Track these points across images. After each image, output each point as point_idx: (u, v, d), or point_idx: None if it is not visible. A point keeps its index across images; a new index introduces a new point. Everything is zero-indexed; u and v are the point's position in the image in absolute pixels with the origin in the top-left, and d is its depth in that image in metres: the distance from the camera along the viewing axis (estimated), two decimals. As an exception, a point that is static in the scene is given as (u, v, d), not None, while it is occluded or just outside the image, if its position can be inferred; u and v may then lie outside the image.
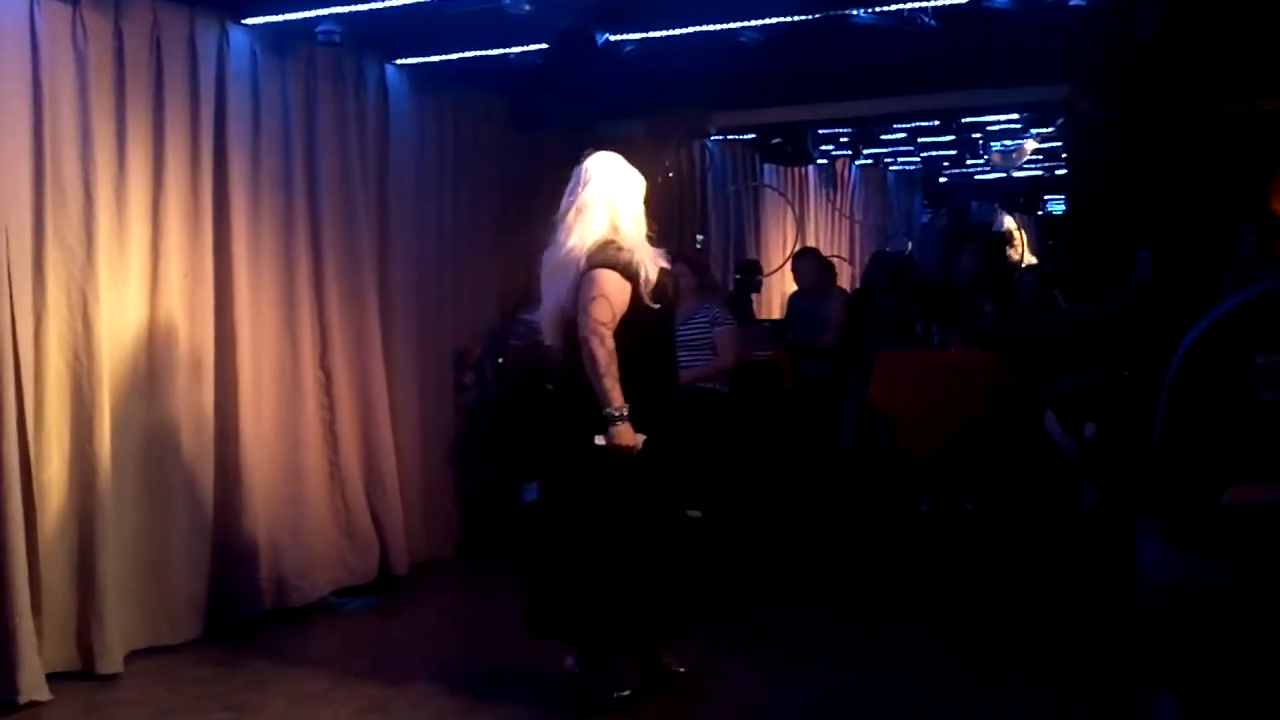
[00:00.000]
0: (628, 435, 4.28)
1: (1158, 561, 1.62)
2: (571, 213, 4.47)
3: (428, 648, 5.50)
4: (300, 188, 6.06)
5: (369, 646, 5.52)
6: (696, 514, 4.94)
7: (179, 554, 5.43)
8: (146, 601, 5.31)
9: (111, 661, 4.96)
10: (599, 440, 4.28)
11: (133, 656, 5.16)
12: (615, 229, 4.41)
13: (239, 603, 5.68)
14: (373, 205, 6.54)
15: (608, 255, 4.32)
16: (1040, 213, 16.64)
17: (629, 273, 4.32)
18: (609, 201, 4.44)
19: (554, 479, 4.63)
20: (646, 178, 4.70)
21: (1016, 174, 13.22)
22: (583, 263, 4.33)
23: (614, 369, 4.25)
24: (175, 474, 5.40)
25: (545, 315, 4.53)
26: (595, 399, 4.27)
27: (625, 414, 4.26)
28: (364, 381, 6.41)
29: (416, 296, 6.85)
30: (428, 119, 7.03)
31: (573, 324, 4.36)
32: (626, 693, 4.58)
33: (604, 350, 4.24)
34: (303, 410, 6.07)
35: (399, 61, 6.72)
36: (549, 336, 4.58)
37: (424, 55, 6.70)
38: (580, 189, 4.49)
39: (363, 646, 5.52)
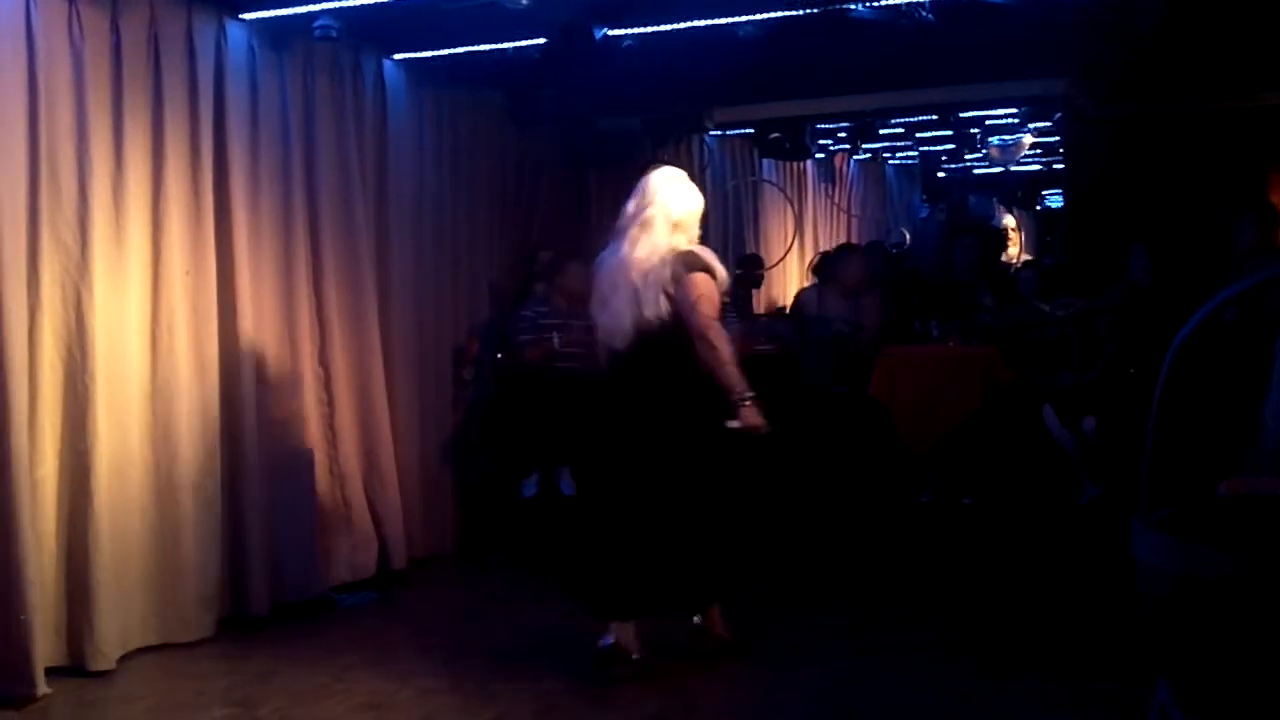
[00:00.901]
0: (755, 415, 4.65)
1: (1155, 553, 1.62)
2: (635, 227, 4.78)
3: (427, 643, 5.49)
4: (299, 183, 6.05)
5: (368, 642, 5.51)
6: None
7: (191, 553, 5.41)
8: (156, 600, 5.31)
9: (104, 659, 4.95)
10: (732, 424, 4.62)
11: (140, 654, 5.17)
12: (690, 242, 4.80)
13: (245, 600, 5.69)
14: (371, 201, 6.53)
15: (697, 261, 4.70)
16: (1038, 208, 16.64)
17: (715, 277, 4.73)
18: (670, 218, 4.76)
19: (671, 466, 4.77)
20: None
21: (1015, 169, 13.21)
22: (667, 270, 4.67)
23: (734, 357, 4.67)
24: (182, 472, 5.39)
25: (617, 320, 4.77)
26: (706, 388, 4.66)
27: (752, 397, 4.63)
28: (363, 377, 6.41)
29: (415, 292, 6.85)
30: (426, 114, 7.02)
31: (658, 327, 4.67)
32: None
33: (724, 341, 4.66)
34: (302, 406, 6.06)
35: (396, 56, 6.71)
36: (620, 340, 4.78)
37: (421, 50, 6.69)
38: (646, 204, 4.80)
39: (362, 642, 5.51)
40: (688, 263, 4.69)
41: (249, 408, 5.70)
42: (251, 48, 5.79)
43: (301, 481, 6.03)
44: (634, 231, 4.77)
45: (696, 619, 5.06)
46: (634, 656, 4.87)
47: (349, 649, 5.38)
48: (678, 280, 4.65)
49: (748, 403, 4.64)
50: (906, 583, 6.28)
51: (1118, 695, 4.47)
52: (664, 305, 4.66)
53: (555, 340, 7.07)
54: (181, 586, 5.40)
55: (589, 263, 6.33)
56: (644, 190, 4.85)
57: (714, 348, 4.62)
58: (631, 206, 4.86)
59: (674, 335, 4.68)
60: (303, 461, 6.05)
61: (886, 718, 4.48)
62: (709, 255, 4.78)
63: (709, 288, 4.68)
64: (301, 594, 5.94)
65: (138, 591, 5.24)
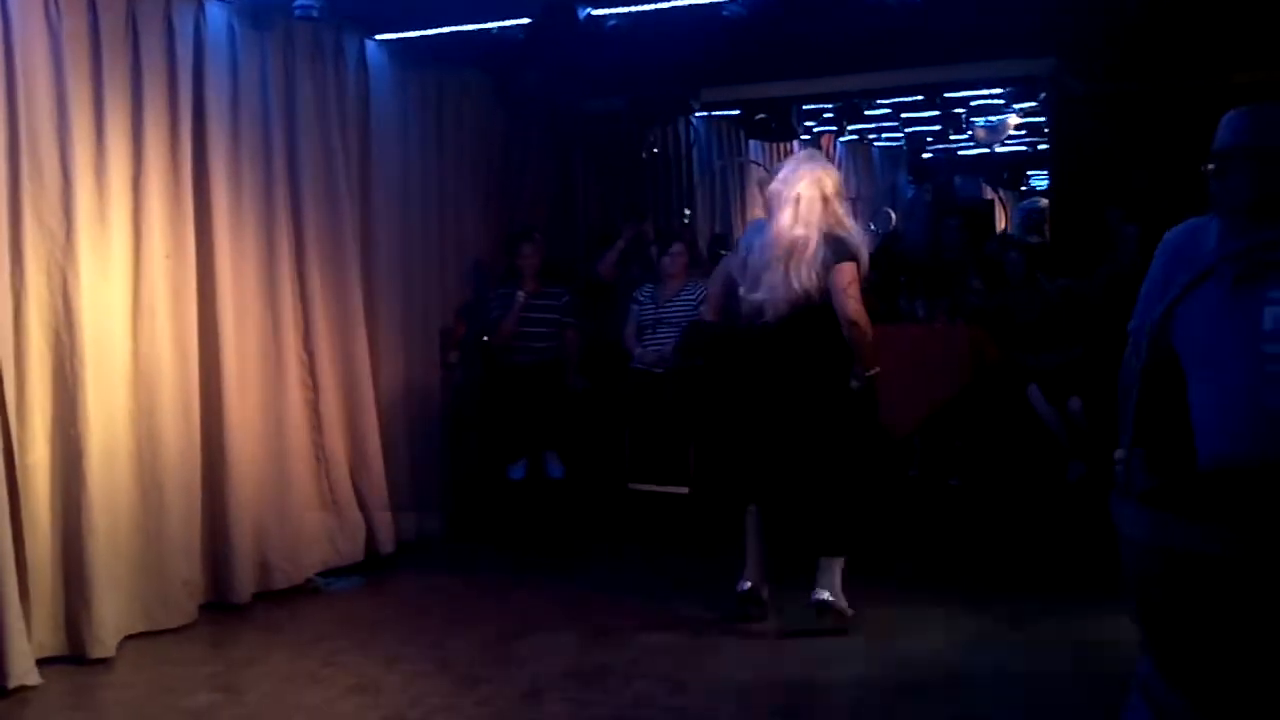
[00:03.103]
0: (871, 390, 5.21)
1: (1138, 527, 1.61)
2: (785, 208, 5.10)
3: (415, 626, 5.49)
4: (280, 166, 6.01)
5: (357, 626, 5.50)
6: None
7: (172, 538, 5.40)
8: (141, 586, 5.28)
9: (102, 646, 4.93)
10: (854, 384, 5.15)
11: (125, 641, 5.14)
12: (839, 221, 5.15)
13: (229, 586, 5.67)
14: (354, 183, 6.49)
15: (846, 249, 5.08)
16: (1023, 188, 16.63)
17: (860, 262, 5.12)
18: (817, 199, 5.11)
19: (820, 424, 5.20)
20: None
21: (1000, 149, 13.20)
22: (821, 251, 5.04)
23: (872, 339, 5.15)
24: (165, 457, 5.36)
25: (770, 295, 5.11)
26: (844, 359, 5.13)
27: (875, 374, 5.16)
28: (348, 361, 6.38)
29: (400, 274, 6.82)
30: (409, 95, 6.98)
31: (807, 298, 5.06)
32: None
33: (867, 324, 5.08)
34: (286, 391, 6.03)
35: (379, 37, 6.66)
36: (772, 313, 5.14)
37: (404, 30, 6.63)
38: (793, 186, 5.13)
39: (350, 626, 5.50)
40: (838, 250, 5.05)
41: (231, 393, 5.67)
42: (231, 27, 5.74)
43: (286, 467, 6.01)
44: (784, 213, 5.09)
45: (825, 595, 5.20)
46: (764, 597, 5.39)
47: (335, 633, 5.37)
48: (828, 265, 5.02)
49: (870, 377, 5.14)
50: (896, 558, 6.27)
51: (1107, 672, 4.48)
52: (815, 281, 5.04)
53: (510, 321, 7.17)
54: (166, 572, 5.37)
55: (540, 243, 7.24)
56: (790, 172, 5.21)
57: (864, 331, 5.06)
58: (777, 188, 5.19)
59: (823, 308, 5.06)
60: (287, 446, 6.02)
61: (870, 694, 4.48)
62: (857, 239, 5.18)
63: (854, 274, 5.07)
64: (287, 579, 5.92)
65: (126, 578, 5.21)
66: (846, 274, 5.04)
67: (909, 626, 5.26)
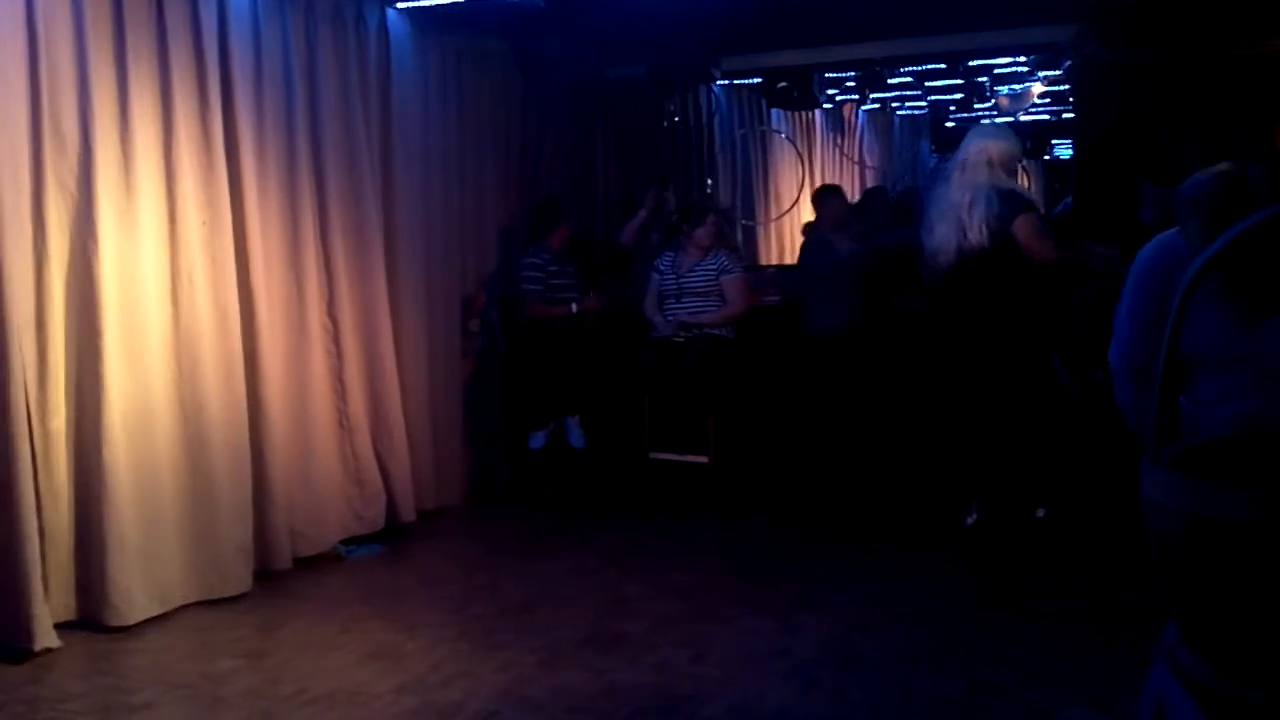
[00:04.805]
0: None
1: (1165, 491, 1.60)
2: (958, 169, 5.78)
3: (436, 593, 5.52)
4: (304, 134, 6.00)
5: (377, 593, 5.54)
6: None
7: (226, 506, 5.42)
8: (192, 554, 5.31)
9: (117, 614, 4.95)
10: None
11: (182, 610, 5.21)
12: (1006, 177, 5.74)
13: (273, 552, 5.71)
14: (376, 151, 6.48)
15: (1020, 201, 5.69)
16: (1047, 157, 16.50)
17: (1036, 209, 5.85)
18: (987, 160, 5.69)
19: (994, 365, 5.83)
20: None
21: (1023, 118, 13.11)
22: (994, 207, 5.59)
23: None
24: (210, 423, 5.37)
25: (942, 244, 5.74)
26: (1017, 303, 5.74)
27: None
28: (370, 329, 6.39)
29: (422, 243, 6.82)
30: (430, 63, 6.96)
31: (977, 250, 5.65)
32: None
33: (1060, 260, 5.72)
34: (311, 359, 6.04)
35: (399, 5, 6.63)
36: (944, 259, 5.75)
37: (425, -2, 6.61)
38: (967, 149, 5.80)
39: (370, 593, 5.54)
40: (1014, 203, 5.63)
41: (268, 358, 5.69)
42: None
43: (311, 434, 6.03)
44: (957, 173, 5.76)
45: (1040, 512, 5.91)
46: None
47: (356, 600, 5.41)
48: (1005, 218, 5.59)
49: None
50: (910, 530, 6.27)
51: (1127, 642, 4.48)
52: (985, 233, 5.60)
53: (573, 307, 7.18)
54: (220, 541, 5.40)
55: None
56: (968, 138, 5.89)
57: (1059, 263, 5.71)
58: (959, 152, 5.85)
59: (990, 257, 5.62)
60: (312, 414, 6.04)
61: (888, 661, 4.49)
62: (1025, 192, 5.89)
63: (1038, 222, 5.72)
64: (312, 547, 5.96)
65: (173, 547, 5.24)
66: (1029, 224, 5.62)
67: (928, 595, 5.26)
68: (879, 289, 7.13)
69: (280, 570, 5.73)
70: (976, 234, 5.63)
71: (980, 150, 5.73)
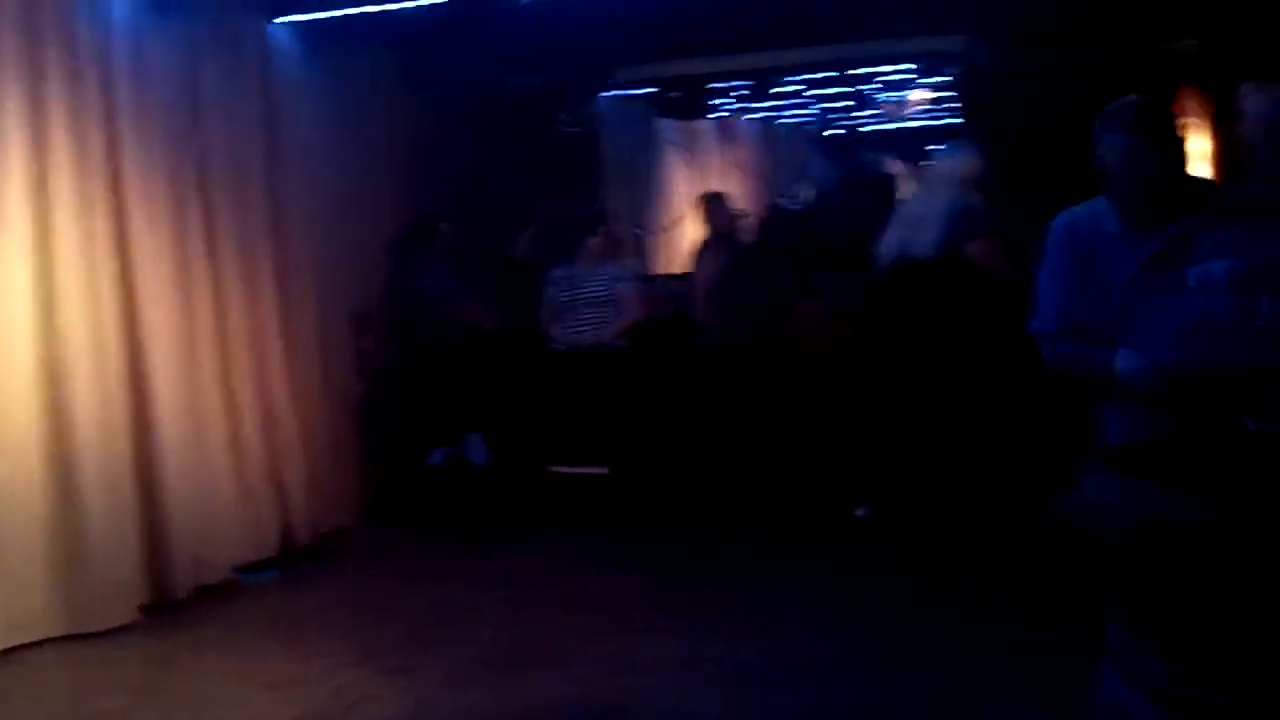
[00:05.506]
0: None
1: (1115, 497, 1.60)
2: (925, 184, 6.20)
3: (335, 617, 5.41)
4: (189, 152, 5.86)
5: (275, 620, 5.42)
6: None
7: (100, 537, 5.23)
8: (58, 587, 5.12)
9: None
10: None
11: (45, 644, 5.01)
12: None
13: (168, 583, 5.54)
14: (263, 167, 6.35)
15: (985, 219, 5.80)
16: (926, 164, 16.81)
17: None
18: (961, 179, 5.84)
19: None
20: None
21: (907, 124, 13.33)
22: (961, 223, 5.69)
23: None
24: (82, 452, 5.19)
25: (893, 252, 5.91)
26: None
27: None
28: (262, 349, 6.26)
29: (312, 259, 6.69)
30: (317, 78, 6.84)
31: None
32: None
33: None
34: (202, 381, 5.90)
35: (284, 19, 6.51)
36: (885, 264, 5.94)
37: (310, 12, 6.49)
38: (939, 165, 6.13)
39: (267, 620, 5.42)
40: (972, 222, 5.72)
41: (157, 382, 5.54)
42: (133, 12, 5.56)
43: (205, 458, 5.87)
44: (924, 186, 6.23)
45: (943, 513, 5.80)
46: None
47: (253, 628, 5.28)
48: (959, 237, 5.68)
49: None
50: (849, 535, 6.27)
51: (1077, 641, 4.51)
52: (936, 246, 5.69)
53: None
54: (93, 570, 5.21)
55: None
56: (940, 154, 6.22)
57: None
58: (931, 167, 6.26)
59: (933, 270, 5.71)
60: (205, 438, 5.89)
61: (810, 664, 4.50)
62: (986, 210, 5.86)
63: (997, 243, 5.72)
64: (208, 576, 5.79)
65: (36, 578, 5.06)
66: (986, 245, 5.71)
67: (843, 596, 5.29)
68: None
69: (179, 600, 5.56)
70: (924, 246, 5.73)
71: (950, 168, 5.91)
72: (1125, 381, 2.56)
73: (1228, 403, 2.36)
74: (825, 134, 14.77)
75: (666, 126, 11.22)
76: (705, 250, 7.58)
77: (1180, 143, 3.05)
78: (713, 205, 7.68)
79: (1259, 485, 1.79)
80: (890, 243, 5.96)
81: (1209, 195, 2.95)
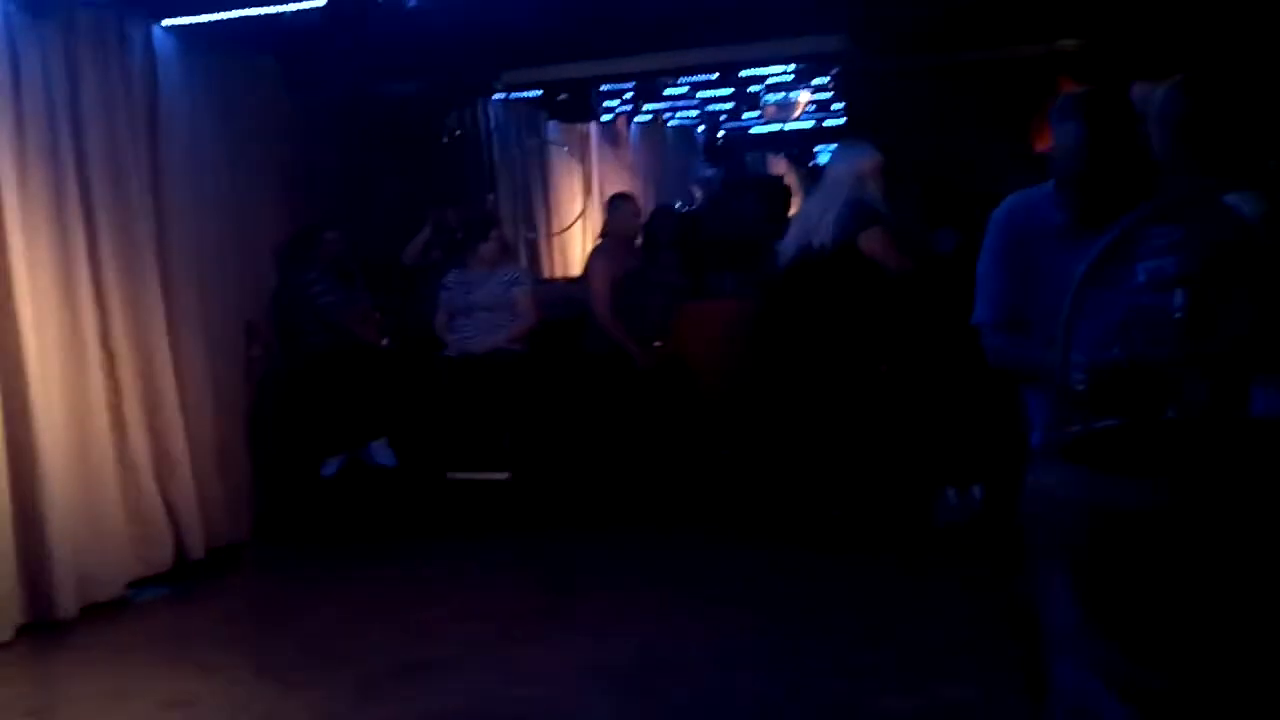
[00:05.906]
0: None
1: (1068, 484, 1.61)
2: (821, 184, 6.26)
3: (230, 633, 5.33)
4: (69, 160, 5.69)
5: (169, 637, 5.29)
6: None
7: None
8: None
9: None
10: None
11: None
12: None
13: (50, 602, 5.36)
14: (146, 175, 6.20)
15: (875, 213, 5.94)
16: (812, 164, 17.02)
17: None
18: (860, 176, 5.99)
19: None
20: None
21: (791, 126, 13.49)
22: (850, 219, 5.86)
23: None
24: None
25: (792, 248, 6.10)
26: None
27: None
28: (149, 360, 6.10)
29: (199, 268, 6.55)
30: (199, 82, 6.68)
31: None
32: None
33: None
34: (87, 394, 5.73)
35: (166, 22, 6.37)
36: (784, 262, 6.15)
37: (192, 15, 6.36)
38: (834, 164, 6.24)
39: (160, 637, 5.29)
40: (861, 217, 5.86)
41: (37, 397, 5.36)
42: (7, 15, 5.40)
43: (91, 473, 5.71)
44: (820, 186, 6.24)
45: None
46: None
47: (144, 646, 5.16)
48: (849, 231, 5.85)
49: None
50: (718, 530, 6.34)
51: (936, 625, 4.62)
52: (829, 242, 5.86)
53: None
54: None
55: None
56: (835, 153, 6.33)
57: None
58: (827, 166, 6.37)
59: (828, 263, 5.88)
60: (91, 452, 5.73)
61: (705, 664, 4.53)
62: (880, 205, 5.98)
63: (885, 234, 5.91)
64: (96, 593, 5.63)
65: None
66: (873, 238, 5.86)
67: (737, 595, 5.33)
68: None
69: (63, 619, 5.39)
70: (821, 239, 5.90)
71: (847, 165, 6.07)
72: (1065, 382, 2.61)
73: (1151, 394, 2.42)
74: (715, 135, 14.90)
75: (555, 129, 11.21)
76: (600, 253, 7.58)
77: (1133, 135, 3.01)
78: (620, 206, 7.66)
79: (1202, 471, 1.84)
80: (789, 241, 6.14)
81: (1157, 188, 2.95)
